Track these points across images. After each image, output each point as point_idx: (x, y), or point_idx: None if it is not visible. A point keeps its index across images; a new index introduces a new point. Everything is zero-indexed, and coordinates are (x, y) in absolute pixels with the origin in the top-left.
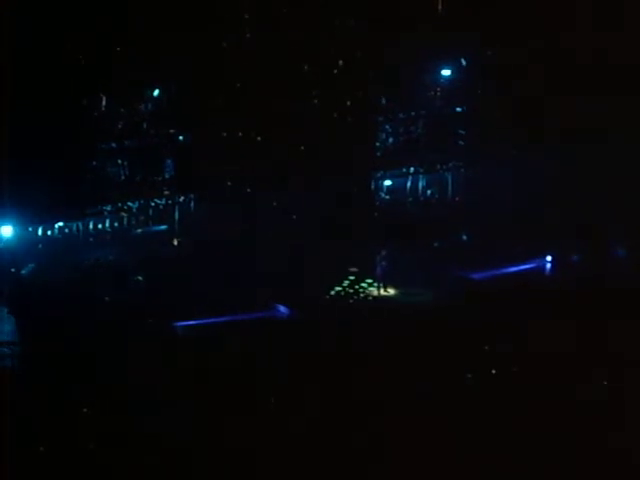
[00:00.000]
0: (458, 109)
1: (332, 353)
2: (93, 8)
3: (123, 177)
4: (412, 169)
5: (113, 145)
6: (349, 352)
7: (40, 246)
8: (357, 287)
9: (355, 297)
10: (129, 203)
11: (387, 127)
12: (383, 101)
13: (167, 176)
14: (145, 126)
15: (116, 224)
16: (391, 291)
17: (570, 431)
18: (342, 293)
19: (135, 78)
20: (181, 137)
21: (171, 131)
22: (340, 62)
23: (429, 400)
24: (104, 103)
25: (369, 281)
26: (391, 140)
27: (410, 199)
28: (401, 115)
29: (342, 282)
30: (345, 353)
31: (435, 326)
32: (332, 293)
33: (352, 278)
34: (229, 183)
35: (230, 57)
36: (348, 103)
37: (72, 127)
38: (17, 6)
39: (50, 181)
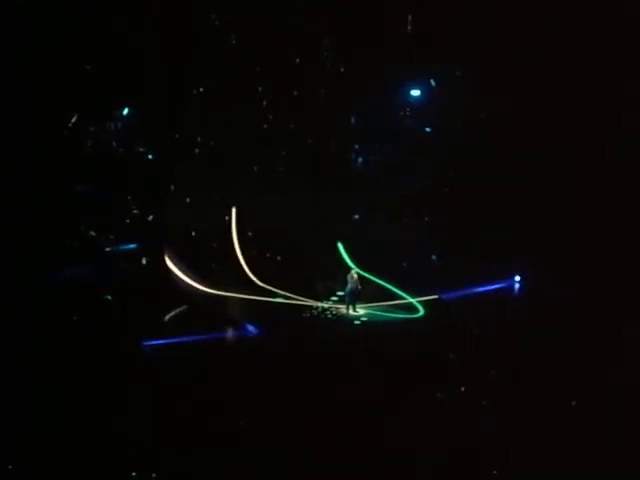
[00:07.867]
0: (428, 129)
1: (302, 372)
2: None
3: (92, 195)
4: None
5: (81, 163)
6: (318, 370)
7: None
8: (327, 307)
9: (324, 316)
10: (97, 221)
11: (357, 148)
12: (353, 122)
13: (136, 194)
14: (114, 144)
15: (85, 242)
16: (360, 311)
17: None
18: (312, 312)
19: (104, 96)
20: (150, 156)
21: (140, 149)
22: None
23: (399, 418)
24: (73, 121)
25: (338, 301)
26: (361, 161)
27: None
28: (372, 138)
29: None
30: (314, 371)
31: (403, 344)
32: (304, 314)
33: (322, 298)
34: (199, 201)
35: (201, 76)
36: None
37: (40, 146)
38: None
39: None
